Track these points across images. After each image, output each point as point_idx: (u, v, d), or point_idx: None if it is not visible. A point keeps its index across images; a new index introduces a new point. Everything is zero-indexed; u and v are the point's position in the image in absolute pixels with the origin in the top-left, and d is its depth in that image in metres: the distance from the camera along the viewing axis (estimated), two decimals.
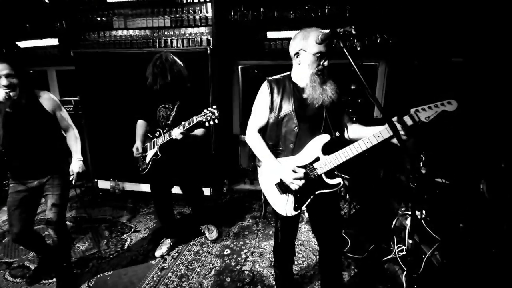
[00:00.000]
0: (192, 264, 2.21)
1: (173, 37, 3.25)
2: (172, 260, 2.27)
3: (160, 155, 2.12)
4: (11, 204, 1.74)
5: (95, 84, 3.41)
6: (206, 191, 3.54)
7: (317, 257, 2.28)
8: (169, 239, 2.43)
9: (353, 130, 1.49)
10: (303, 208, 1.44)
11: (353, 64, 1.05)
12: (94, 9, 3.38)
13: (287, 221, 1.55)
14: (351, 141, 1.37)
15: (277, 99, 1.42)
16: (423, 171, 2.00)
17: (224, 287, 1.97)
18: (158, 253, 2.33)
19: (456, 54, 3.07)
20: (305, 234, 2.62)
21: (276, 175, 1.44)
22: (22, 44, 4.00)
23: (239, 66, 3.80)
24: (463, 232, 1.67)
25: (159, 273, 2.12)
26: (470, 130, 2.46)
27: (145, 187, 3.68)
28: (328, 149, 1.38)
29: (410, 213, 1.99)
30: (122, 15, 3.33)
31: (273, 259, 1.82)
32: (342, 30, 1.09)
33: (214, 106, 1.86)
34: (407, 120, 1.21)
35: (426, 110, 1.18)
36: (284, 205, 1.44)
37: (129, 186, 3.73)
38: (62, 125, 1.86)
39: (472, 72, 2.91)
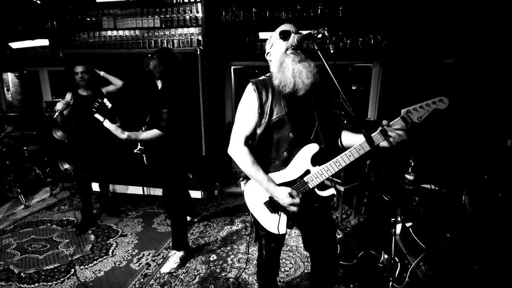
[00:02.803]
0: (176, 271, 2.16)
1: (163, 38, 3.21)
2: (156, 266, 2.22)
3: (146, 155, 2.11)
4: (83, 154, 2.71)
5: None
6: (198, 194, 3.49)
7: (305, 263, 2.22)
8: (180, 252, 2.22)
9: (345, 137, 1.38)
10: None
11: (326, 65, 1.00)
12: (83, 9, 3.34)
13: (275, 238, 1.42)
14: (343, 148, 1.28)
15: (267, 102, 1.25)
16: (411, 177, 1.94)
17: None
18: (165, 269, 2.13)
19: (448, 55, 3.01)
20: (294, 239, 2.56)
21: (265, 193, 1.32)
22: (14, 45, 3.97)
23: (232, 67, 3.75)
24: (450, 242, 1.61)
25: (142, 279, 2.07)
26: (457, 134, 2.41)
27: (134, 190, 3.63)
28: (317, 159, 1.26)
29: (398, 220, 1.92)
30: (112, 15, 3.28)
31: (257, 268, 1.74)
32: (315, 32, 1.05)
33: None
34: (399, 122, 1.13)
35: (418, 110, 1.10)
36: (275, 224, 1.32)
37: (119, 189, 3.69)
38: None
39: (463, 73, 2.85)
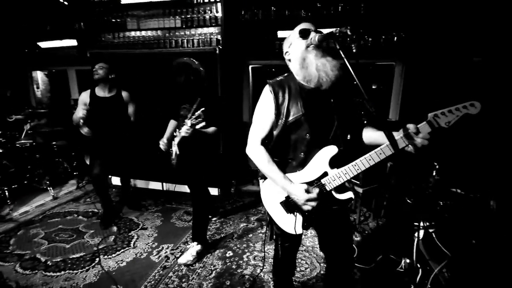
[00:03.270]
0: (194, 265, 2.21)
1: (183, 38, 3.28)
2: (175, 259, 2.29)
3: (178, 152, 2.21)
4: (93, 155, 2.72)
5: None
6: (214, 191, 3.55)
7: (321, 264, 2.21)
8: (198, 245, 2.30)
9: (366, 135, 1.34)
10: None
11: (348, 65, 0.99)
12: (109, 11, 3.48)
13: (291, 238, 1.43)
14: (363, 148, 1.25)
15: (283, 103, 1.25)
16: (436, 180, 1.86)
17: None
18: (182, 260, 2.21)
19: (477, 53, 2.85)
20: (310, 240, 2.55)
21: (281, 193, 1.33)
22: (43, 44, 4.21)
23: (250, 66, 3.77)
24: (475, 249, 1.53)
25: (161, 271, 2.14)
26: (486, 137, 2.28)
27: (155, 185, 3.75)
28: (336, 161, 1.24)
29: (421, 224, 1.86)
30: (136, 16, 3.40)
31: (273, 267, 1.75)
32: (338, 30, 1.03)
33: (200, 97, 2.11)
34: (425, 127, 1.08)
35: (446, 115, 1.05)
36: (291, 224, 1.32)
37: (140, 184, 3.82)
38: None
39: (493, 72, 2.69)
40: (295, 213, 1.32)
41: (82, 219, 2.98)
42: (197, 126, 1.95)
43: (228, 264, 2.23)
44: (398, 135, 1.11)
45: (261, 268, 2.17)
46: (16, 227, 2.81)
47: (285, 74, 1.34)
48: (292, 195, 1.27)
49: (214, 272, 2.14)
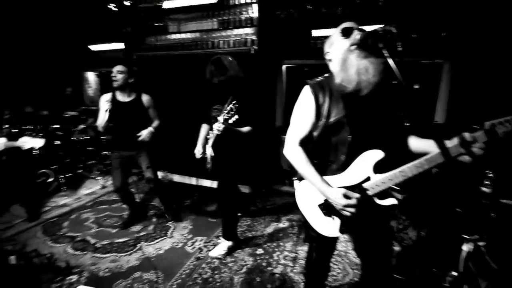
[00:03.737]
0: (226, 259, 2.29)
1: (220, 39, 3.39)
2: (208, 251, 2.39)
3: (213, 154, 2.21)
4: (113, 167, 2.61)
5: (152, 84, 3.75)
6: (245, 189, 3.62)
7: (354, 271, 2.14)
8: (229, 241, 2.36)
9: (414, 144, 1.27)
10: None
11: (393, 64, 0.95)
12: (153, 16, 3.72)
13: (326, 241, 1.37)
14: (410, 156, 1.19)
15: (324, 104, 1.22)
16: (488, 190, 1.70)
17: (253, 286, 2.00)
18: (214, 253, 2.30)
19: None
20: (343, 244, 2.48)
21: (319, 195, 1.29)
22: (93, 47, 4.63)
23: (284, 66, 3.77)
24: None
25: (195, 262, 2.25)
26: None
27: (189, 180, 3.93)
28: (379, 166, 1.18)
29: (467, 237, 1.71)
30: (176, 20, 3.59)
31: (305, 270, 1.73)
32: (382, 29, 0.99)
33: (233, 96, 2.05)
34: (482, 136, 1.00)
35: (505, 125, 0.97)
36: (328, 227, 1.29)
37: (176, 178, 4.04)
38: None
39: None
40: (333, 216, 1.29)
41: (126, 208, 3.23)
42: (230, 121, 1.95)
43: (258, 261, 2.27)
44: (451, 143, 1.05)
45: (291, 268, 2.17)
46: (69, 211, 3.15)
47: (325, 75, 1.31)
48: (330, 199, 1.23)
49: (244, 267, 2.19)
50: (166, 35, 3.70)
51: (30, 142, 2.23)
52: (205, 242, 2.53)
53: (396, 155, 1.25)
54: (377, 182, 1.17)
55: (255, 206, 3.29)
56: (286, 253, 2.38)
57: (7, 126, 2.64)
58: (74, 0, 4.40)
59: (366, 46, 1.14)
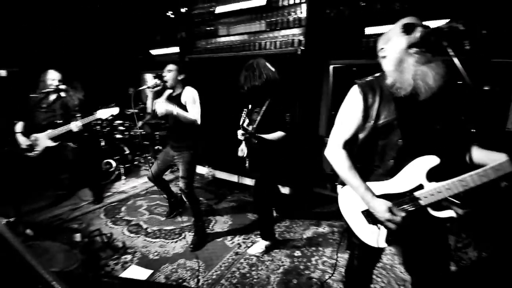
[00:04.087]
0: (263, 257, 2.31)
1: (266, 40, 3.44)
2: (246, 248, 2.45)
3: (246, 155, 2.32)
4: (158, 158, 2.66)
5: (201, 84, 3.98)
6: (285, 190, 3.61)
7: (400, 287, 1.97)
8: (266, 241, 2.38)
9: (476, 153, 1.14)
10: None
11: (459, 64, 0.86)
12: (205, 20, 3.95)
13: (370, 250, 1.28)
14: (471, 165, 1.08)
15: (373, 105, 1.15)
16: None
17: None
18: (251, 251, 2.36)
19: None
20: (389, 257, 2.31)
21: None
22: (154, 52, 5.11)
23: (331, 66, 3.65)
24: None
25: (234, 256, 2.33)
26: None
27: (231, 177, 4.07)
28: (433, 174, 1.09)
29: None
30: (226, 23, 3.75)
31: (345, 278, 1.65)
32: (447, 26, 0.90)
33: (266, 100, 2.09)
34: None
35: None
36: (373, 236, 1.21)
37: (219, 174, 4.22)
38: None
39: None
40: (378, 225, 1.20)
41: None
42: (250, 128, 2.05)
43: (296, 263, 2.24)
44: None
45: (330, 275, 2.09)
46: (126, 198, 3.52)
47: (376, 75, 1.23)
48: (372, 209, 1.16)
49: (281, 268, 2.19)
50: (216, 38, 3.90)
51: (107, 112, 2.70)
52: (244, 239, 2.60)
53: (454, 163, 1.13)
54: (431, 190, 1.08)
55: (295, 208, 3.26)
56: (325, 258, 2.31)
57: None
58: (137, 10, 4.92)
59: (428, 45, 1.05)
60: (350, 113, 1.21)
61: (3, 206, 2.57)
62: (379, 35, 3.13)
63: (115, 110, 2.79)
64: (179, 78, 2.44)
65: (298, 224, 2.88)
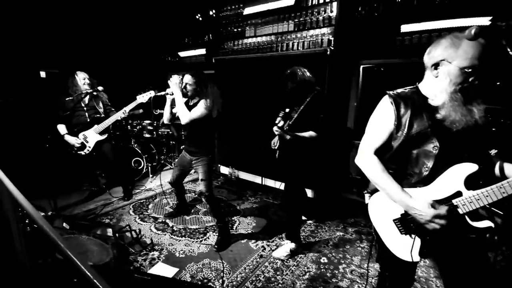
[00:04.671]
0: (288, 262, 2.26)
1: (294, 40, 3.38)
2: (270, 251, 2.41)
3: (280, 152, 2.39)
4: (176, 163, 2.73)
5: (227, 85, 4.02)
6: (309, 193, 3.52)
7: None
8: (292, 243, 2.34)
9: (506, 167, 1.11)
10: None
11: None
12: (232, 22, 3.97)
13: (402, 264, 1.20)
14: (501, 177, 1.05)
15: (405, 114, 1.14)
16: None
17: None
18: (276, 254, 2.31)
19: None
20: (423, 270, 2.15)
21: (396, 208, 1.18)
22: (182, 54, 5.24)
23: (361, 66, 3.51)
24: None
25: (258, 259, 2.30)
26: None
27: (254, 178, 4.06)
28: (470, 181, 1.05)
29: None
30: (253, 24, 3.75)
31: None
32: (504, 24, 0.81)
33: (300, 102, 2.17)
34: None
35: None
36: (406, 248, 1.16)
37: (242, 175, 4.22)
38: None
39: None
40: (412, 235, 1.14)
41: (198, 198, 3.55)
42: (285, 126, 2.11)
43: (322, 270, 2.17)
44: None
45: (359, 285, 1.99)
46: (153, 195, 3.63)
47: (409, 87, 1.22)
48: (413, 210, 1.10)
49: (307, 274, 2.12)
50: (243, 39, 3.91)
51: (146, 96, 2.88)
52: (268, 241, 2.56)
53: (489, 171, 1.12)
54: (470, 198, 1.03)
55: (319, 211, 3.16)
56: (353, 267, 2.20)
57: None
58: (166, 13, 5.08)
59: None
60: (382, 121, 1.20)
61: (41, 200, 2.76)
62: (416, 32, 2.93)
63: (152, 93, 2.94)
64: (198, 90, 2.37)
65: (324, 229, 2.79)
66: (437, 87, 1.11)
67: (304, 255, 2.35)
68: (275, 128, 2.22)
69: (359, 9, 3.13)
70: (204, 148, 2.47)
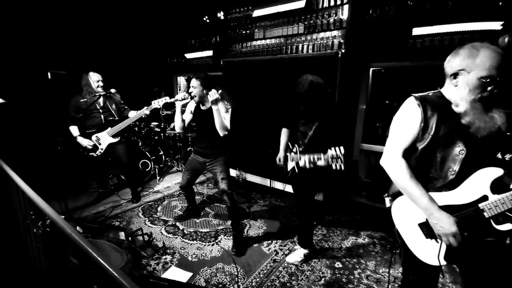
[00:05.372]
0: (302, 266, 2.24)
1: (304, 43, 3.37)
2: (283, 255, 2.38)
3: (297, 171, 2.17)
4: (186, 167, 2.70)
5: (236, 86, 4.01)
6: (319, 197, 3.50)
7: None
8: (304, 249, 2.31)
9: None
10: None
11: None
12: (241, 24, 3.96)
13: (428, 270, 1.21)
14: None
15: (432, 117, 1.14)
16: None
17: None
18: (290, 259, 2.30)
19: None
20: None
21: (421, 213, 1.17)
22: (188, 55, 5.23)
23: (371, 69, 3.50)
24: None
25: (272, 264, 2.28)
26: None
27: (263, 181, 4.04)
28: (496, 185, 1.06)
29: None
30: (262, 26, 3.74)
31: None
32: None
33: (342, 149, 1.83)
34: None
35: None
36: (431, 252, 1.16)
37: (250, 177, 4.21)
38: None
39: None
40: (438, 239, 1.14)
41: (206, 200, 3.54)
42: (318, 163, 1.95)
43: (337, 275, 2.14)
44: None
45: None
46: (162, 197, 3.61)
47: (432, 92, 1.22)
48: (434, 220, 1.11)
49: (323, 279, 2.10)
50: (251, 41, 3.90)
51: (160, 103, 2.92)
52: (280, 245, 2.54)
53: None
54: (495, 202, 1.05)
55: (329, 215, 3.14)
56: (368, 272, 2.18)
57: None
58: (173, 14, 5.08)
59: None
60: (409, 122, 1.19)
61: (49, 202, 2.73)
62: (428, 36, 2.90)
63: (167, 99, 2.94)
64: (205, 91, 2.35)
65: (336, 233, 2.77)
66: (457, 95, 1.12)
67: (318, 259, 2.33)
68: (295, 157, 2.07)
69: (370, 11, 3.12)
70: (221, 148, 2.48)
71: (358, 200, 3.50)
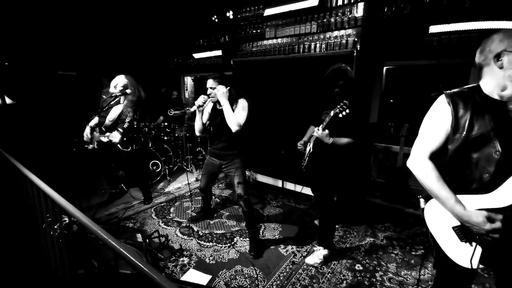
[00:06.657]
0: (322, 269, 2.20)
1: (317, 42, 3.33)
2: (301, 257, 2.35)
3: (312, 150, 2.24)
4: (202, 171, 2.67)
5: (246, 86, 3.97)
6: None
7: None
8: (325, 250, 2.28)
9: None
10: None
11: None
12: (252, 24, 3.93)
13: (462, 273, 1.18)
14: None
15: (464, 116, 1.10)
16: None
17: None
18: (309, 261, 2.26)
19: None
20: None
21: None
22: (197, 55, 5.21)
23: (384, 68, 3.46)
24: None
25: (291, 266, 2.24)
26: None
27: (274, 182, 4.00)
28: None
29: None
30: (273, 26, 3.70)
31: None
32: None
33: (347, 101, 1.95)
34: None
35: None
36: (466, 255, 1.13)
37: (260, 178, 4.17)
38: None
39: None
40: (473, 242, 1.11)
41: (219, 202, 3.51)
42: (326, 130, 2.01)
43: (358, 278, 2.11)
44: None
45: None
46: (173, 198, 3.59)
47: (468, 86, 1.17)
48: (467, 223, 1.09)
49: (344, 282, 2.06)
50: (262, 40, 3.86)
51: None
52: (297, 247, 2.50)
53: None
54: None
55: (345, 215, 3.10)
56: (390, 275, 2.14)
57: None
58: (182, 14, 5.06)
59: None
60: (437, 123, 1.16)
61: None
62: (445, 33, 2.86)
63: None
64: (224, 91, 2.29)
65: (352, 234, 2.73)
66: (505, 78, 1.06)
67: (337, 261, 2.29)
68: (316, 129, 2.06)
69: (385, 9, 3.08)
70: (237, 149, 2.42)
71: (372, 201, 3.46)
